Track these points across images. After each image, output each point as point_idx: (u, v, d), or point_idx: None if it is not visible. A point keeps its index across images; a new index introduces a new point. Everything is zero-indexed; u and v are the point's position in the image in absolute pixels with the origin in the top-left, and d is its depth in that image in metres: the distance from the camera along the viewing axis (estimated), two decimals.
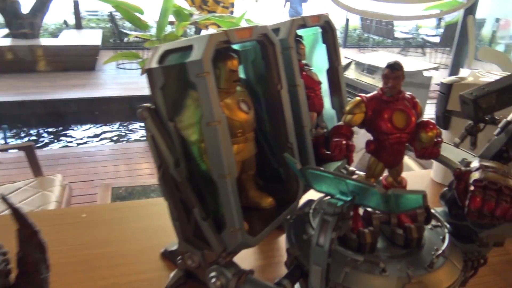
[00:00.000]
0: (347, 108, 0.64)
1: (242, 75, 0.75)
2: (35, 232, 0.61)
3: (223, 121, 0.56)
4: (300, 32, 0.86)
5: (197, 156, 0.61)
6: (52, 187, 2.56)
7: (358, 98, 0.64)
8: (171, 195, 0.62)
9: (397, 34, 8.68)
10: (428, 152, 0.64)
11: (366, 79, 3.14)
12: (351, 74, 3.24)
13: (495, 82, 0.66)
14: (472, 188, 0.57)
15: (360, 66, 3.21)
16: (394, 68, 0.61)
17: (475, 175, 0.59)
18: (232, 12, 6.92)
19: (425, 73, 3.12)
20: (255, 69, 0.72)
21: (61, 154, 4.72)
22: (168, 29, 5.37)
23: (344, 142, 0.60)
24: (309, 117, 0.79)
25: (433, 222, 0.73)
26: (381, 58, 3.70)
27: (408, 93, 0.65)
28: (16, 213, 0.59)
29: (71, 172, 4.04)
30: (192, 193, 0.60)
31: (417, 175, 1.26)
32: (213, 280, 0.62)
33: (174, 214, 0.63)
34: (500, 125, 0.71)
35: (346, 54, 3.93)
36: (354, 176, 0.89)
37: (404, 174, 1.28)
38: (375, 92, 0.65)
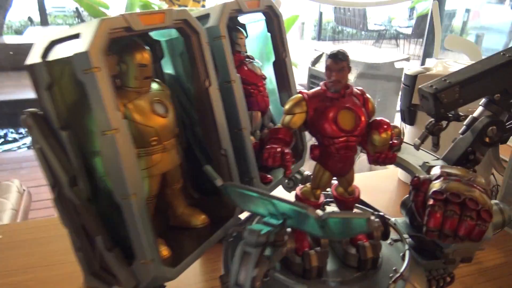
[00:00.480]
0: (286, 107, 0.54)
1: (170, 70, 0.64)
2: None
3: (122, 128, 0.44)
4: (242, 19, 0.76)
5: (101, 172, 0.49)
6: (8, 193, 2.39)
7: (298, 95, 0.54)
8: (70, 220, 0.50)
9: (371, 26, 8.65)
10: (382, 157, 0.54)
11: None
12: (321, 67, 3.15)
13: (458, 72, 0.57)
14: (431, 202, 0.47)
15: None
16: (338, 58, 0.50)
17: (435, 185, 0.49)
18: (203, 6, 6.76)
19: (397, 65, 3.05)
20: (184, 63, 0.61)
21: (25, 157, 4.51)
22: None
23: (278, 149, 0.49)
24: (250, 117, 0.68)
25: (393, 236, 0.63)
26: (354, 49, 3.62)
27: (357, 88, 0.55)
28: None
29: (36, 176, 3.85)
30: (93, 218, 0.49)
31: (383, 175, 1.17)
32: None
33: (76, 244, 0.51)
34: (465, 122, 0.61)
35: (319, 47, 3.84)
36: None
37: (368, 174, 1.17)
38: (318, 88, 0.54)
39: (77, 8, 7.50)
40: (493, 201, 0.62)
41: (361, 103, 0.54)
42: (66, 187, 0.48)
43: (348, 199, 0.58)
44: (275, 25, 0.74)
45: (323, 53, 3.26)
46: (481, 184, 0.50)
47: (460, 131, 0.62)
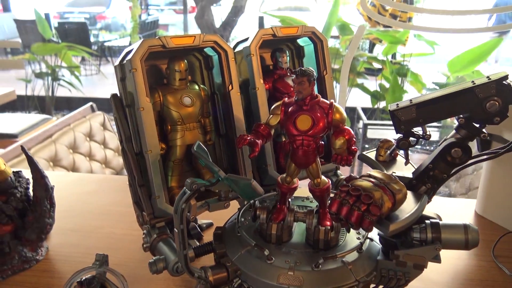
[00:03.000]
0: (271, 108, 0.72)
1: (217, 78, 0.88)
2: (42, 176, 0.86)
3: (147, 108, 0.71)
4: (301, 42, 0.94)
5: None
6: None
7: (281, 100, 0.71)
8: (126, 165, 0.79)
9: None
10: (339, 158, 0.66)
11: None
12: None
13: (420, 96, 0.64)
14: (337, 191, 0.59)
15: None
16: (298, 74, 0.66)
17: (354, 182, 0.60)
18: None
19: None
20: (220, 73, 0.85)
21: None
22: (331, 42, 5.53)
23: (248, 137, 0.68)
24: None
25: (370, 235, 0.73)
26: None
27: (328, 101, 0.68)
28: (30, 161, 0.85)
29: None
30: (135, 165, 0.76)
31: (460, 205, 1.15)
32: (143, 236, 0.77)
33: (129, 181, 0.80)
34: (440, 143, 0.67)
35: None
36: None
37: (446, 201, 1.21)
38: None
39: None
40: (462, 222, 0.66)
41: (324, 112, 0.67)
42: (125, 143, 0.77)
43: (315, 189, 0.71)
44: (318, 47, 0.90)
45: None
46: (393, 188, 0.58)
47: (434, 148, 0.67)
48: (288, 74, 0.90)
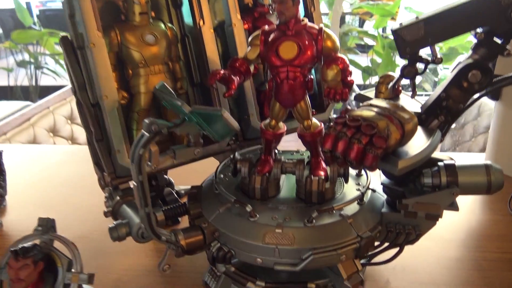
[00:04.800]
0: (249, 39, 0.60)
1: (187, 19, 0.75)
2: None
3: (99, 44, 0.59)
4: None
5: None
6: None
7: (261, 28, 0.59)
8: (83, 119, 0.67)
9: None
10: (333, 92, 0.55)
11: None
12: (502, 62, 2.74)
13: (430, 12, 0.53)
14: (331, 124, 0.47)
15: None
16: None
17: (350, 113, 0.49)
18: None
19: None
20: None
21: None
22: None
23: (222, 72, 0.56)
24: None
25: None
26: None
27: (318, 25, 0.57)
28: None
29: None
30: (92, 117, 0.64)
31: (466, 159, 1.04)
32: (105, 200, 0.66)
33: (87, 138, 0.68)
34: (451, 67, 0.56)
35: None
36: None
37: (457, 155, 1.09)
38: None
39: None
40: (486, 162, 0.55)
41: (312, 39, 0.55)
42: (78, 92, 0.65)
43: (305, 134, 0.60)
44: None
45: None
46: (400, 117, 0.46)
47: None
48: (271, 12, 0.77)
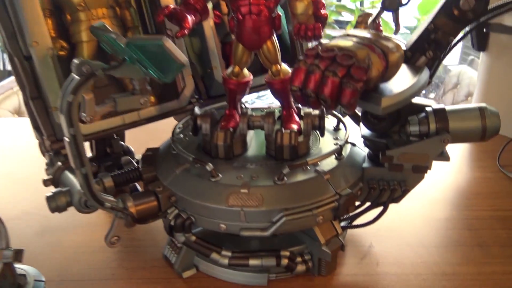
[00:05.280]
0: None
1: None
2: None
3: None
4: None
5: None
6: None
7: None
8: (15, 74, 0.57)
9: None
10: (303, 28, 0.46)
11: None
12: None
13: None
14: (300, 57, 0.39)
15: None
16: None
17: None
18: None
19: None
20: None
21: None
22: None
23: (172, 7, 0.47)
24: None
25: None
26: None
27: None
28: None
29: None
30: (25, 71, 0.55)
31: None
32: (45, 168, 0.57)
33: (23, 98, 0.59)
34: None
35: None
36: None
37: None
38: None
39: None
40: (480, 104, 0.48)
41: None
42: (7, 42, 0.55)
43: (274, 81, 0.51)
44: None
45: None
46: (383, 47, 0.39)
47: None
48: None
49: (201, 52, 0.65)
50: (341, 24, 4.81)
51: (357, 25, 0.56)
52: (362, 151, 0.53)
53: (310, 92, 0.38)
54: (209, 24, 0.63)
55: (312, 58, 0.38)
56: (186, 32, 0.47)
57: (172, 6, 0.47)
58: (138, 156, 0.78)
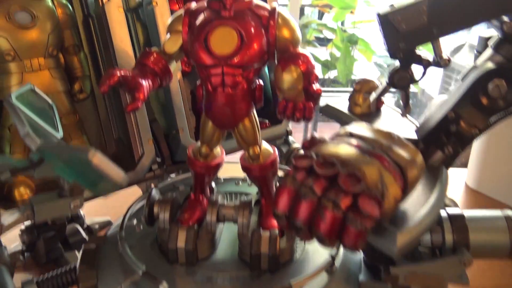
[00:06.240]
0: (169, 22, 0.40)
1: None
2: None
3: None
4: None
5: None
6: None
7: (185, 6, 0.39)
8: None
9: None
10: (290, 107, 0.36)
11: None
12: (461, 58, 2.68)
13: None
14: (288, 170, 0.29)
15: (473, 49, 2.61)
16: None
17: (318, 147, 0.30)
18: None
19: None
20: None
21: None
22: None
23: (120, 73, 0.36)
24: None
25: None
26: None
27: (269, 4, 0.38)
28: None
29: None
30: None
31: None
32: None
33: None
34: (461, 75, 0.39)
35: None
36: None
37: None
38: None
39: None
40: (506, 212, 0.38)
41: (261, 24, 0.37)
42: None
43: (252, 166, 0.41)
44: None
45: (465, 42, 2.76)
46: (398, 157, 0.28)
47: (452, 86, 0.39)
48: None
49: (166, 108, 0.55)
50: (322, 42, 4.79)
51: (354, 94, 0.46)
52: (356, 254, 0.43)
53: (300, 224, 0.27)
54: (176, 77, 0.52)
55: (303, 173, 0.28)
56: (139, 104, 0.36)
57: (120, 72, 0.36)
58: (91, 219, 0.66)
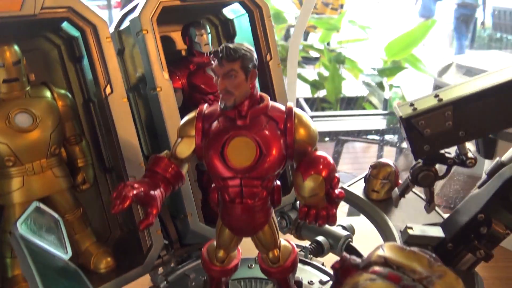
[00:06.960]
0: (180, 124, 0.38)
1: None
2: None
3: None
4: (228, 13, 0.61)
5: None
6: None
7: (197, 109, 0.38)
8: None
9: None
10: (313, 214, 0.35)
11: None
12: (449, 78, 2.72)
13: (449, 88, 0.34)
14: None
15: (461, 69, 2.65)
16: (223, 58, 0.33)
17: (354, 280, 0.28)
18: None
19: None
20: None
21: None
22: None
23: (133, 192, 0.34)
24: None
25: None
26: (491, 59, 3.05)
27: (279, 105, 0.37)
28: None
29: None
30: None
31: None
32: None
33: None
34: (487, 170, 0.38)
35: (469, 57, 3.31)
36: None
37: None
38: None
39: None
40: None
41: (278, 128, 0.35)
42: None
43: (272, 269, 0.39)
44: (256, 19, 0.57)
45: (452, 62, 2.80)
46: None
47: (478, 183, 0.38)
48: (212, 62, 0.56)
49: (173, 193, 0.53)
50: (309, 61, 4.84)
51: (370, 180, 0.45)
52: None
53: None
54: None
55: None
56: (153, 220, 0.34)
57: (132, 192, 0.34)
58: None
